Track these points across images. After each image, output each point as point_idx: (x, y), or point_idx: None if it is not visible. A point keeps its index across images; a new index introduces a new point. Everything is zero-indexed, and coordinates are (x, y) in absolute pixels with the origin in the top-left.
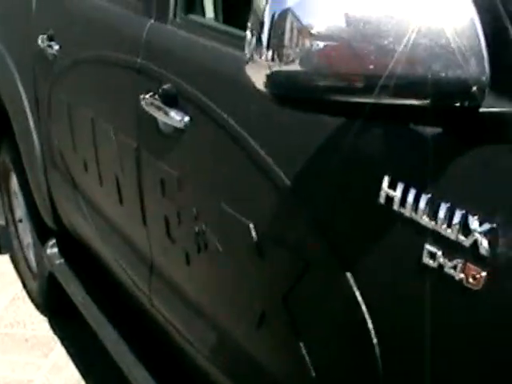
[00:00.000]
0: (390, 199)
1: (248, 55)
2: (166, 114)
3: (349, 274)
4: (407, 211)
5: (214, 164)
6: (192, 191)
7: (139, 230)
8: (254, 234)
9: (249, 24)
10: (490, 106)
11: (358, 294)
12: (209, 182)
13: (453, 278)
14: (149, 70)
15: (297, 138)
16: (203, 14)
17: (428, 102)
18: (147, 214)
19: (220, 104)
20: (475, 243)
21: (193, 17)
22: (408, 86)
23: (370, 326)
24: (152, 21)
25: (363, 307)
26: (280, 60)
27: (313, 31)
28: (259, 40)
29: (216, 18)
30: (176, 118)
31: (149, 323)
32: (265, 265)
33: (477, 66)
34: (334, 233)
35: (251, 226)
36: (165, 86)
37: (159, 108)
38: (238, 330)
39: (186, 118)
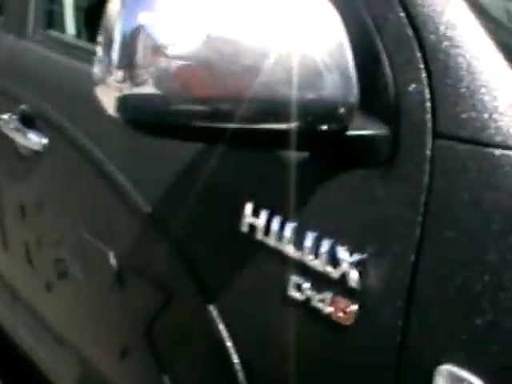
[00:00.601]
0: (253, 227)
1: (98, 75)
2: (24, 135)
3: (212, 307)
4: (271, 240)
5: (72, 189)
6: (51, 216)
7: (0, 255)
8: (113, 262)
9: (99, 40)
10: (359, 129)
11: (222, 326)
12: (67, 207)
13: (321, 311)
14: (7, 89)
15: (157, 162)
16: (64, 30)
17: (292, 125)
18: (8, 239)
19: (78, 126)
20: (344, 275)
21: (53, 33)
22: (270, 108)
23: (236, 360)
24: (11, 36)
25: (228, 341)
26: (131, 81)
27: (167, 51)
28: (109, 59)
29: (78, 34)
30: (34, 140)
31: (15, 351)
32: (126, 295)
33: (344, 87)
34: (197, 262)
35: (111, 253)
36: (23, 106)
37: (17, 129)
38: (101, 362)
39: (44, 141)
